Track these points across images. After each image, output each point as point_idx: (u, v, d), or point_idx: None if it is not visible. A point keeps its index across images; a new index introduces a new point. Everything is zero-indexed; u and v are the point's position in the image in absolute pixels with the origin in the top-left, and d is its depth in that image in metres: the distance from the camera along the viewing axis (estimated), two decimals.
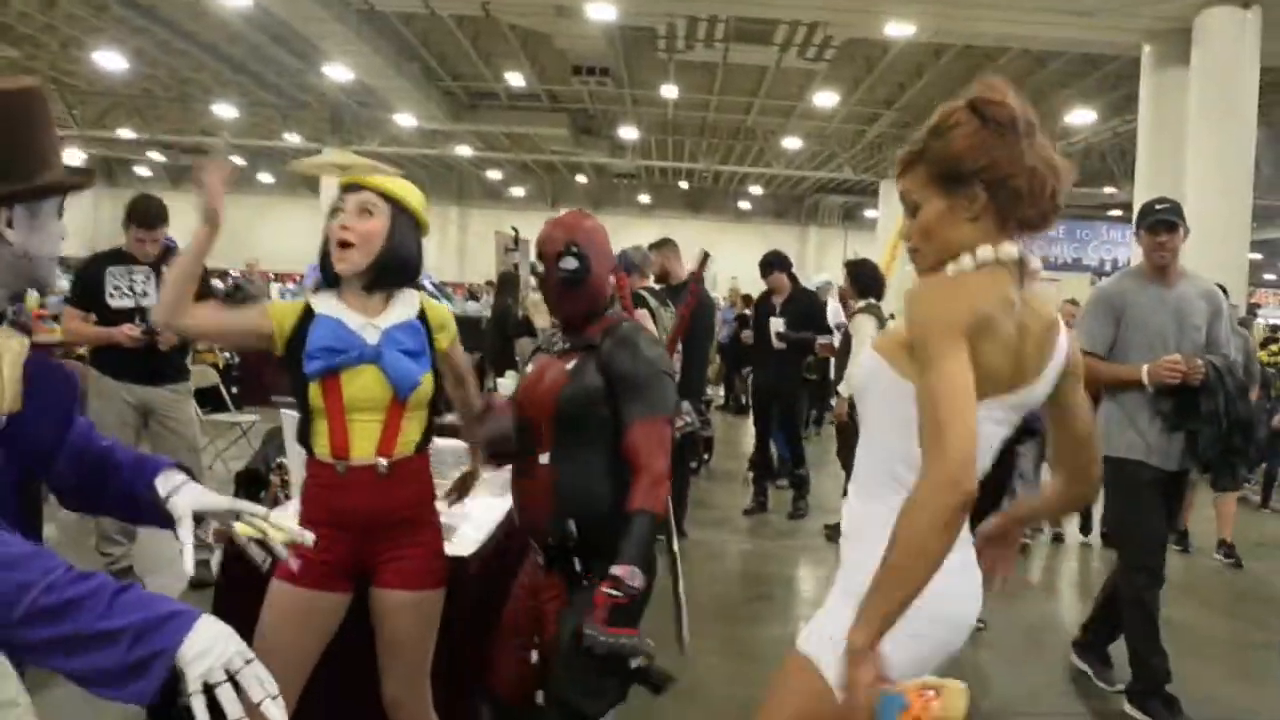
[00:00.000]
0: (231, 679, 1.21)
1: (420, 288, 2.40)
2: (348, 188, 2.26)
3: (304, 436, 2.26)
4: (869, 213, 27.16)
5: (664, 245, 6.21)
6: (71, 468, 1.68)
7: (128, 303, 4.36)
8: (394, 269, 2.24)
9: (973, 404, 1.46)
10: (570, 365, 2.30)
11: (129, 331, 4.28)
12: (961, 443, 1.41)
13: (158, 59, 17.65)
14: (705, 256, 3.57)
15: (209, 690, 1.20)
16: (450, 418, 2.88)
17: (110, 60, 16.90)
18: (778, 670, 1.73)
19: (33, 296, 12.08)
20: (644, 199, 32.27)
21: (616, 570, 2.04)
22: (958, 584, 1.63)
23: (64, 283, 12.73)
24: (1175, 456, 3.69)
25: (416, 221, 2.30)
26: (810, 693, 1.62)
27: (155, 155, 28.25)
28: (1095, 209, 25.85)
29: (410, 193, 2.29)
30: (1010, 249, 1.62)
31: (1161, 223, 3.69)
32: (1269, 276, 32.26)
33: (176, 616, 1.22)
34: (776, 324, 6.72)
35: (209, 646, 1.21)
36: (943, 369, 1.47)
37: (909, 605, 1.42)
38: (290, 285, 13.18)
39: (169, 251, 4.51)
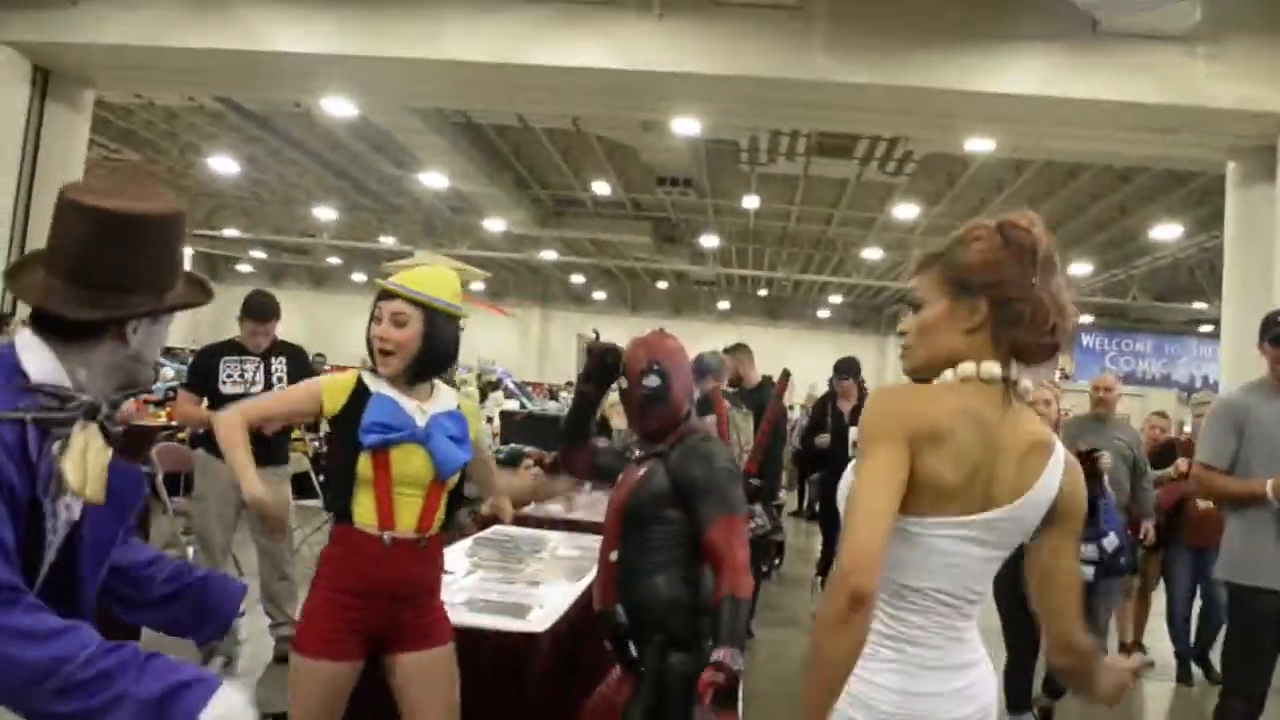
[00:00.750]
0: None
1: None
2: (382, 296, 2.44)
3: (343, 506, 2.39)
4: None
5: (738, 350, 6.42)
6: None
7: (239, 390, 4.70)
8: (431, 364, 2.46)
9: (883, 504, 1.47)
10: (642, 471, 2.50)
11: None
12: (859, 539, 1.44)
13: (267, 164, 18.69)
14: (786, 375, 3.75)
15: None
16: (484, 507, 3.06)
17: (223, 165, 17.96)
18: None
19: None
20: (723, 305, 32.60)
21: (718, 655, 2.15)
22: (929, 682, 1.60)
23: (169, 370, 13.29)
24: None
25: (449, 314, 2.47)
26: None
27: (257, 253, 29.63)
28: (1184, 325, 25.33)
29: (439, 289, 2.44)
30: (992, 367, 1.64)
31: (1278, 338, 3.66)
32: None
33: (199, 684, 1.33)
34: (855, 433, 6.78)
35: (226, 714, 1.32)
36: (863, 468, 1.52)
37: (826, 710, 1.43)
38: None
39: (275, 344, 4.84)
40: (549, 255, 25.40)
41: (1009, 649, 4.24)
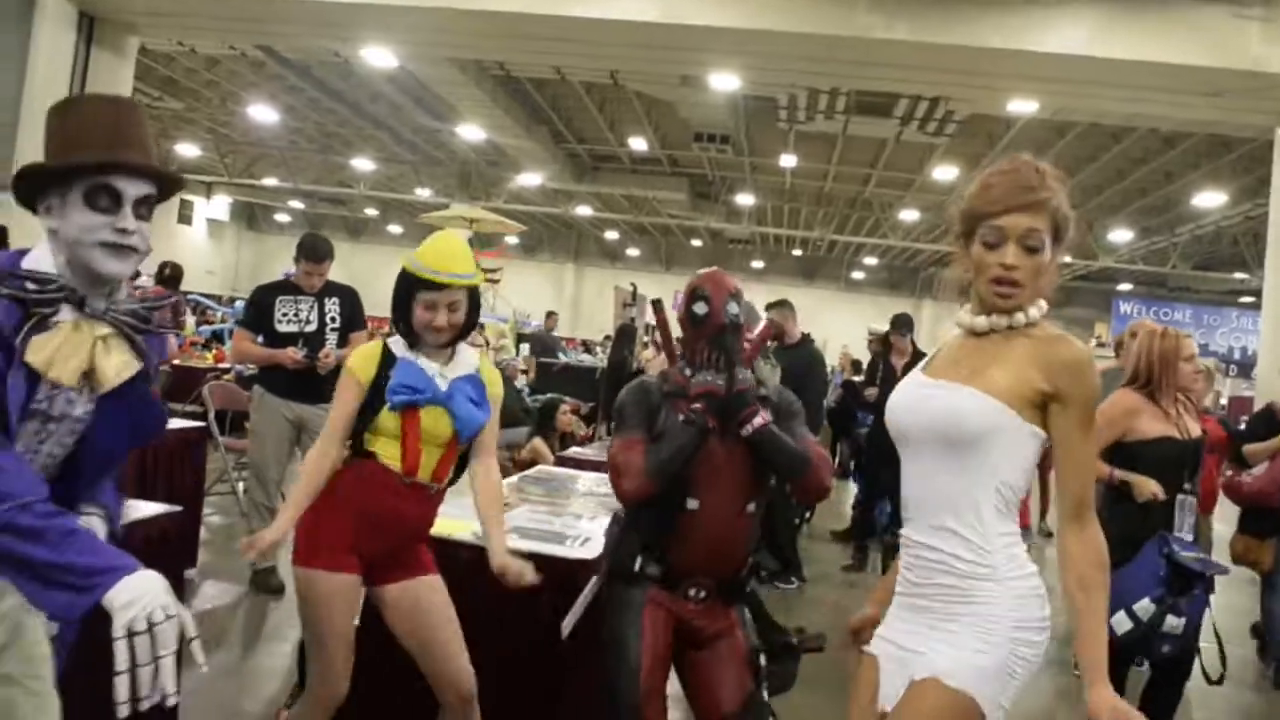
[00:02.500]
0: (151, 629, 1.39)
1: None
2: (430, 285, 2.54)
3: (356, 445, 2.58)
4: None
5: (781, 306, 6.48)
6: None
7: (294, 328, 4.90)
8: (466, 334, 2.68)
9: None
10: (759, 419, 2.53)
11: (293, 355, 4.81)
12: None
13: (306, 114, 18.80)
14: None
15: (131, 636, 1.38)
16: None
17: (263, 114, 18.09)
18: (918, 700, 1.74)
19: (189, 324, 12.92)
20: (757, 264, 32.49)
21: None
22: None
23: (190, 320, 13.45)
24: None
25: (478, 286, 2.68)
26: None
27: (295, 203, 29.88)
28: (1225, 295, 24.97)
29: (472, 266, 2.63)
30: (1043, 305, 1.84)
31: None
32: None
33: (113, 571, 1.43)
34: None
35: (136, 596, 1.40)
36: (1093, 446, 1.80)
37: None
38: None
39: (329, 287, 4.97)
40: (584, 210, 25.43)
41: None
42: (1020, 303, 1.79)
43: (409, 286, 2.57)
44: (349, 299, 5.12)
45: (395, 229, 32.18)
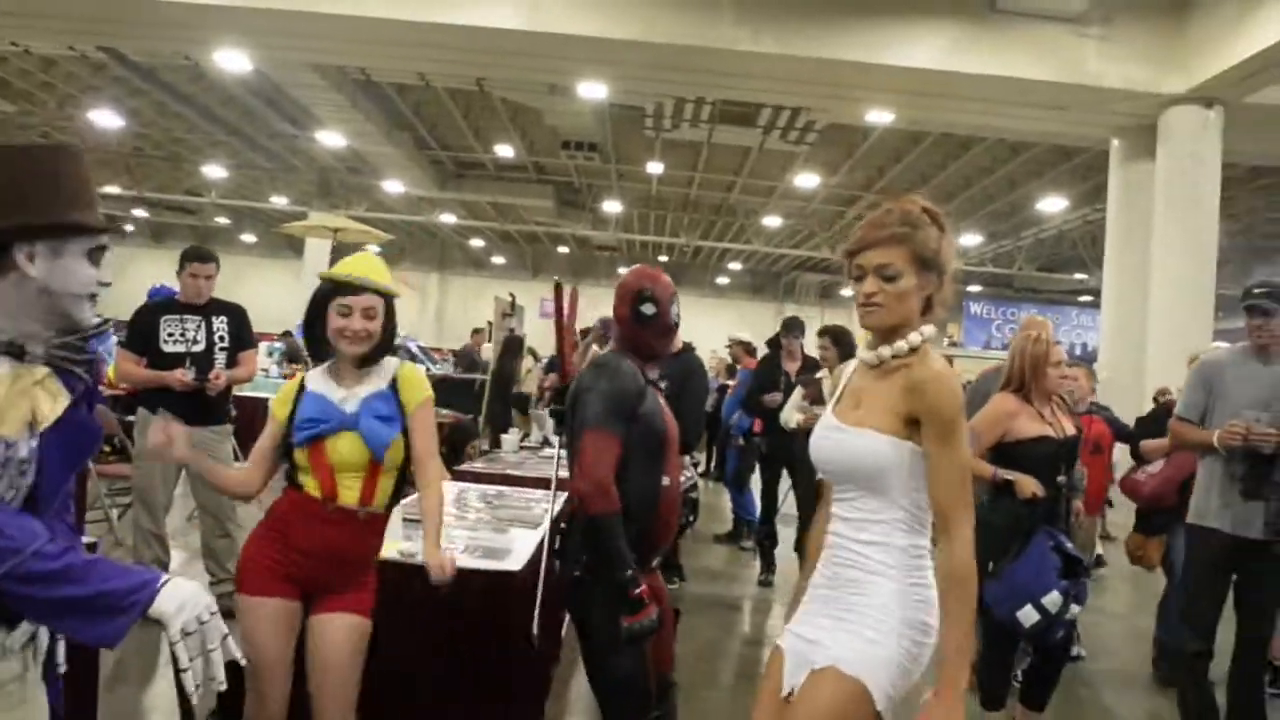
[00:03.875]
0: (202, 627, 1.51)
1: (400, 349, 2.71)
2: (345, 290, 2.54)
3: (292, 480, 2.59)
4: (845, 291, 27.63)
5: None
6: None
7: (180, 349, 4.69)
8: (386, 347, 2.64)
9: None
10: (663, 400, 2.79)
11: (182, 377, 4.59)
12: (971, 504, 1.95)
13: (152, 119, 17.91)
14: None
15: (187, 635, 1.50)
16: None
17: (105, 119, 17.13)
18: (817, 688, 1.93)
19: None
20: (623, 271, 32.54)
21: None
22: None
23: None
24: (1257, 525, 3.74)
25: (393, 297, 2.66)
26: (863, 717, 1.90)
27: (139, 212, 28.40)
28: (1066, 294, 26.49)
29: (389, 277, 2.63)
30: (931, 330, 2.07)
31: (1252, 308, 3.84)
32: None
33: (145, 586, 1.49)
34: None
35: (185, 600, 1.51)
36: (963, 453, 1.94)
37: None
38: (276, 343, 13.32)
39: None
40: (448, 218, 25.05)
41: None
42: (882, 323, 2.03)
43: (322, 296, 2.55)
44: (237, 317, 4.92)
45: (249, 238, 30.98)
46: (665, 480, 2.64)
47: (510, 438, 5.99)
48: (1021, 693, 3.98)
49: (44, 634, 1.68)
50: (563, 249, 31.04)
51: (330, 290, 2.54)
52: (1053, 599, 3.50)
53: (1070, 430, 3.79)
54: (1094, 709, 4.77)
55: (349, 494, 2.52)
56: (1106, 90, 9.94)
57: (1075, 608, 3.56)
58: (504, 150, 18.08)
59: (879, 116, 12.50)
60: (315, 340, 2.59)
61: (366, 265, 2.60)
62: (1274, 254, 21.78)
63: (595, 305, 6.08)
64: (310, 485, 2.53)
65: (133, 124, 18.04)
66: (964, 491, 1.93)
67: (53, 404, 1.66)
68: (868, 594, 1.97)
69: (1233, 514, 3.80)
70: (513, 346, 7.92)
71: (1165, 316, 10.04)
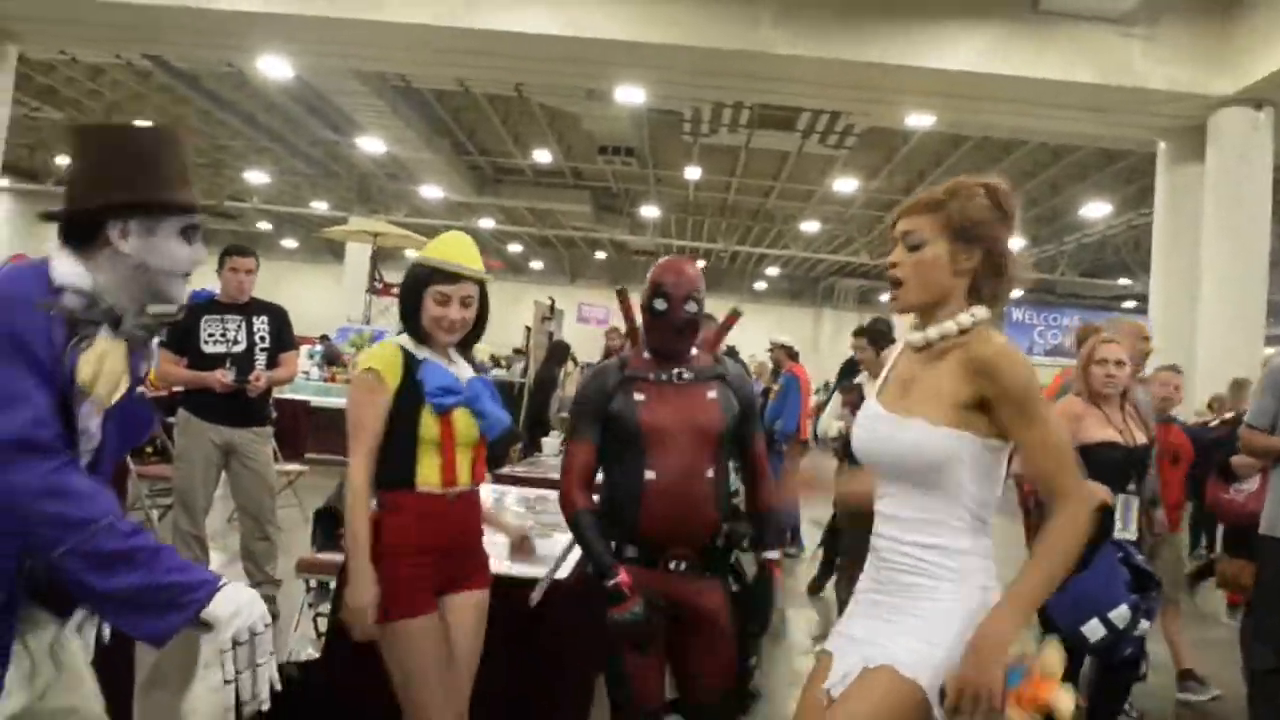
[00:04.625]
0: (253, 639, 1.49)
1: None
2: (444, 278, 2.49)
3: (405, 472, 2.44)
4: (884, 297, 27.41)
5: (706, 319, 6.43)
6: None
7: (221, 349, 4.68)
8: (478, 335, 2.64)
9: None
10: (713, 393, 2.68)
11: (222, 378, 4.57)
12: (1079, 474, 1.84)
13: (196, 126, 18.17)
14: (735, 314, 3.63)
15: (235, 646, 1.47)
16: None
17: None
18: (870, 684, 1.80)
19: None
20: None
21: (772, 555, 2.72)
22: None
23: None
24: None
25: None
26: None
27: None
28: (1110, 300, 26.07)
29: (481, 263, 2.58)
30: (982, 311, 1.90)
31: None
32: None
33: (205, 585, 1.48)
34: None
35: (240, 608, 1.48)
36: (1051, 422, 1.80)
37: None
38: (317, 346, 13.46)
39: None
40: (486, 223, 25.16)
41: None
42: (906, 299, 1.91)
43: (421, 280, 2.49)
44: (278, 317, 4.91)
45: (289, 243, 31.33)
46: (650, 474, 2.55)
47: (551, 441, 6.02)
48: (1087, 716, 3.83)
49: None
50: (600, 254, 31.08)
51: (427, 276, 2.48)
52: (1120, 613, 3.33)
53: (1142, 439, 3.66)
54: None
55: (464, 474, 2.49)
56: (1152, 92, 9.75)
57: (1145, 623, 3.40)
58: (542, 155, 18.13)
59: (919, 120, 12.38)
60: (414, 324, 2.52)
61: (462, 248, 2.54)
62: None
63: (635, 310, 6.06)
64: (428, 470, 2.43)
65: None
66: (1067, 463, 1.79)
67: (122, 380, 1.69)
68: (928, 599, 1.82)
69: None
70: (558, 352, 7.89)
71: (1214, 321, 9.82)
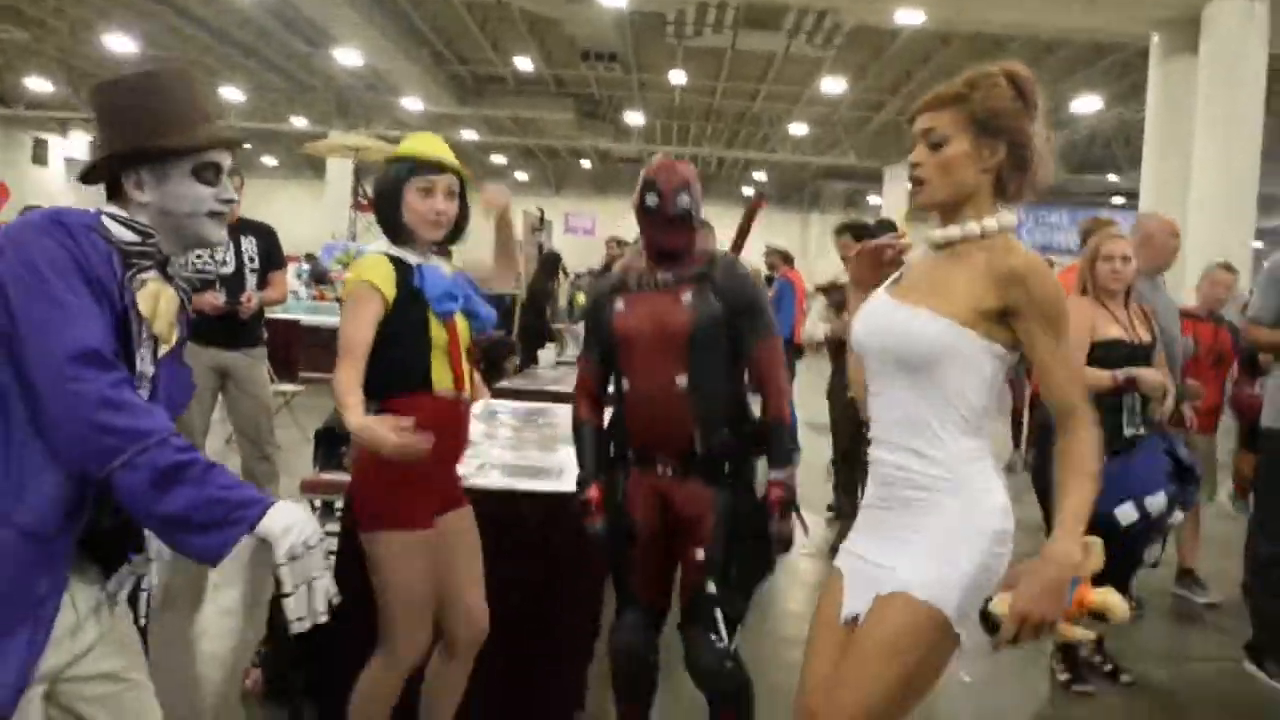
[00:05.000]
0: (308, 552, 1.49)
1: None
2: (431, 168, 2.39)
3: (417, 377, 2.36)
4: (872, 199, 27.27)
5: (701, 225, 6.40)
6: None
7: (210, 271, 4.61)
8: (460, 232, 2.55)
9: None
10: (688, 296, 2.57)
11: (213, 300, 4.51)
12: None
13: (167, 43, 17.68)
14: (760, 196, 3.51)
15: (293, 559, 1.48)
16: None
17: (119, 44, 16.92)
18: (887, 613, 1.76)
19: None
20: None
21: (777, 475, 2.54)
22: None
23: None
24: None
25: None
26: (942, 648, 1.76)
27: None
28: (1097, 195, 25.93)
29: (464, 167, 2.52)
30: (1009, 218, 1.83)
31: None
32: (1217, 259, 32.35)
33: (258, 502, 1.49)
34: None
35: (293, 523, 1.49)
36: (1064, 351, 1.78)
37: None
38: (303, 265, 13.33)
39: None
40: (469, 134, 24.75)
41: None
42: (932, 198, 1.84)
43: (401, 176, 2.38)
44: (266, 237, 4.85)
45: (270, 160, 30.81)
46: (625, 384, 2.58)
47: (547, 353, 6.01)
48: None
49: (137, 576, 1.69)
50: (585, 163, 30.68)
51: (408, 170, 2.38)
52: (1157, 501, 3.35)
53: (1146, 337, 3.63)
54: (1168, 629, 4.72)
55: (467, 379, 2.43)
56: None
57: (1178, 515, 3.45)
58: (523, 63, 17.75)
59: (909, 17, 12.10)
60: (390, 225, 2.41)
61: (436, 142, 2.46)
62: None
63: (619, 219, 6.00)
64: (443, 375, 2.37)
65: (147, 48, 17.83)
66: (1083, 387, 1.80)
67: (176, 330, 1.70)
68: (931, 512, 1.77)
69: None
70: (549, 263, 7.82)
71: (1205, 215, 9.79)
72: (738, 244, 3.08)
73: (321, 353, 10.62)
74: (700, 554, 2.56)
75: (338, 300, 12.33)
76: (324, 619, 1.51)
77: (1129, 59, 14.01)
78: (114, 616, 1.64)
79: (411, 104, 20.60)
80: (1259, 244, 10.62)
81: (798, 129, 21.93)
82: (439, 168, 2.39)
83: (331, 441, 3.57)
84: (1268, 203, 22.07)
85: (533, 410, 4.46)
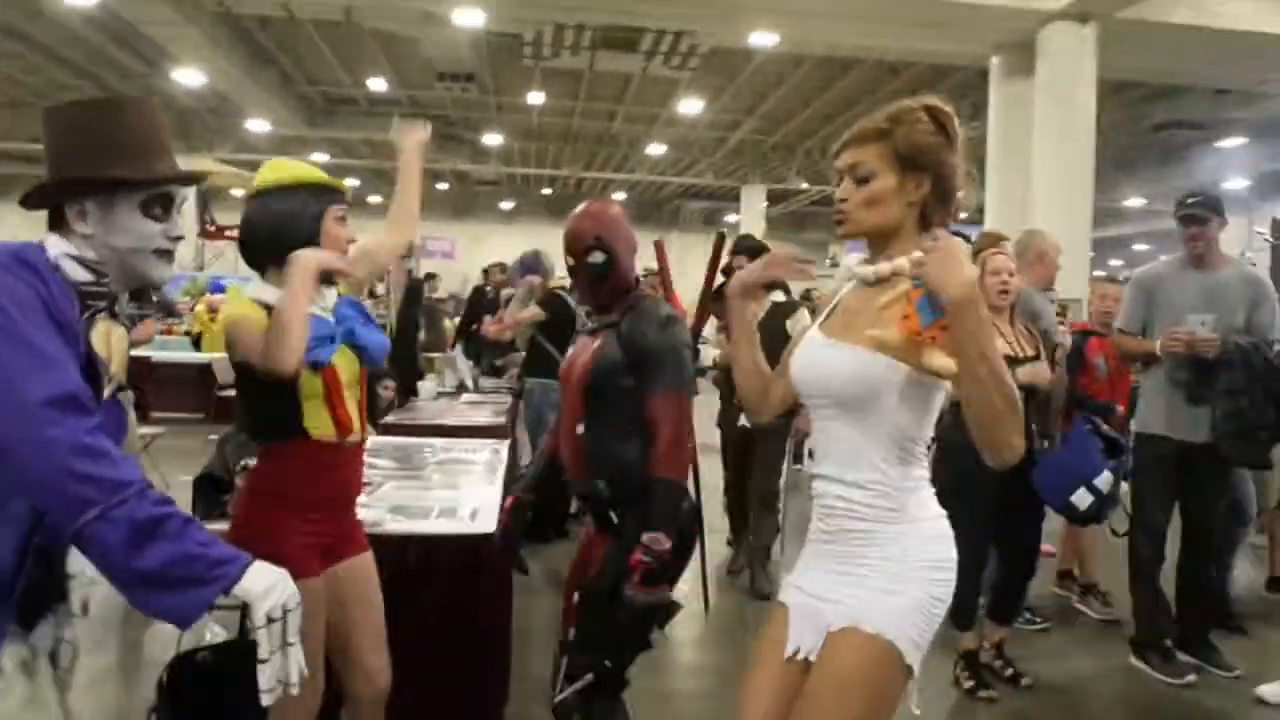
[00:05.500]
0: (285, 617, 1.42)
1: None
2: (332, 195, 2.28)
3: (287, 426, 2.20)
4: (730, 217, 27.76)
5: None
6: None
7: None
8: None
9: None
10: (597, 343, 2.53)
11: None
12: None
13: None
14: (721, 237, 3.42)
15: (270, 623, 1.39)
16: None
17: None
18: (840, 654, 1.72)
19: None
20: (506, 205, 32.05)
21: (645, 538, 2.32)
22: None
23: None
24: (1203, 429, 3.92)
25: None
26: (896, 680, 1.73)
27: None
28: None
29: None
30: None
31: (1187, 217, 3.97)
32: (1097, 273, 34.48)
33: (236, 560, 1.40)
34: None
35: (273, 584, 1.41)
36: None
37: (979, 368, 1.58)
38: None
39: None
40: (320, 157, 24.03)
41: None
42: (859, 230, 1.84)
43: (320, 200, 2.22)
44: None
45: None
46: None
47: (428, 385, 5.84)
48: (989, 607, 4.06)
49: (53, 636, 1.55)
50: (442, 185, 30.19)
51: (328, 196, 2.25)
52: (1105, 479, 3.62)
53: (1030, 351, 3.77)
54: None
55: (355, 419, 2.27)
56: (985, 7, 10.04)
57: (1124, 484, 3.75)
58: (376, 84, 17.35)
59: (763, 39, 12.37)
60: (279, 258, 2.17)
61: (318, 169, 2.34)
62: (1131, 166, 22.67)
63: (477, 242, 5.83)
64: (321, 423, 2.19)
65: None
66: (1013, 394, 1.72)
67: (120, 339, 1.61)
68: (874, 543, 1.76)
69: (1179, 420, 3.97)
70: (414, 293, 7.58)
71: (1047, 226, 10.26)
72: (709, 279, 3.04)
73: (172, 389, 10.03)
74: (575, 598, 2.54)
75: (187, 334, 11.71)
76: (296, 690, 1.43)
77: (968, 80, 14.67)
78: (38, 672, 1.50)
79: (258, 126, 19.85)
80: (1091, 253, 11.32)
81: (656, 149, 22.16)
82: (335, 193, 2.28)
83: (211, 487, 3.39)
84: (1110, 214, 23.50)
85: (417, 446, 4.30)
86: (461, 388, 6.50)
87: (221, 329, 2.25)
